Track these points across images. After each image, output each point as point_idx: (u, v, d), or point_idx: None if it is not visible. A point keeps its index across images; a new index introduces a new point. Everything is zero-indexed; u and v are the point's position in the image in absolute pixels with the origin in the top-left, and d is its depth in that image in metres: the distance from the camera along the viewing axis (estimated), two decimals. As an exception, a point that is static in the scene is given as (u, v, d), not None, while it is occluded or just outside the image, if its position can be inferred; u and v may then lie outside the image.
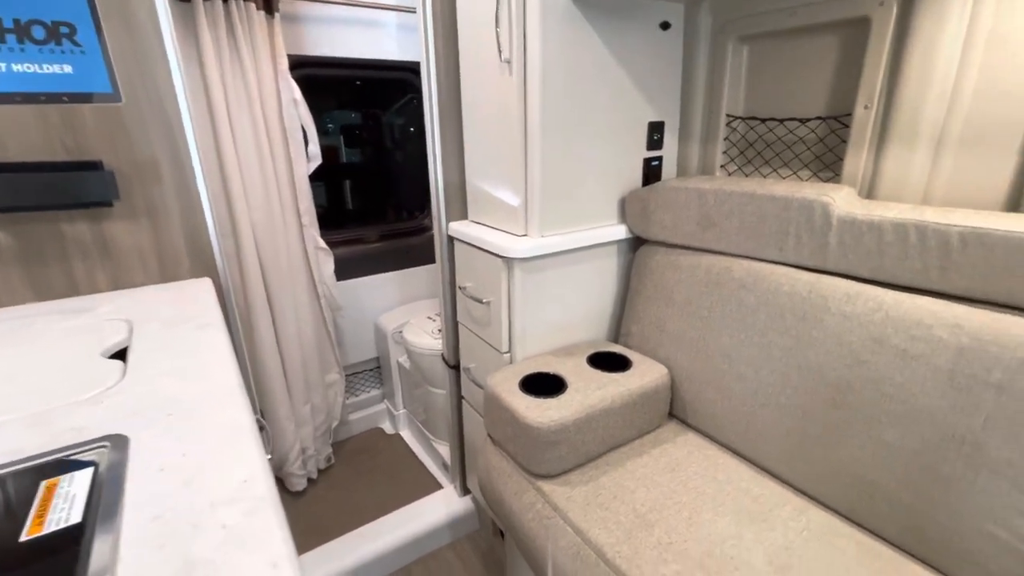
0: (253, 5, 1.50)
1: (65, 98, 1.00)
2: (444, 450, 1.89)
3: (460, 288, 1.45)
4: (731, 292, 1.15)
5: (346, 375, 2.16)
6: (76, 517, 0.48)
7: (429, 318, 2.05)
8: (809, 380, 1.00)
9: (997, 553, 0.77)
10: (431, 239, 1.56)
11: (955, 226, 0.85)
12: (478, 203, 1.42)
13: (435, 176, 1.43)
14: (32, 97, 0.97)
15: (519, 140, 1.19)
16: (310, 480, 1.93)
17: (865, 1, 1.02)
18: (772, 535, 0.91)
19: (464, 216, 1.49)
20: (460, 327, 1.52)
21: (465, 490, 1.75)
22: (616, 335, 1.47)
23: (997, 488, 0.77)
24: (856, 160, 1.09)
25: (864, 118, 1.06)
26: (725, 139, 1.35)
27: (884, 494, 0.89)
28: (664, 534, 0.92)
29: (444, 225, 1.46)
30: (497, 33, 1.15)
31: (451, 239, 1.47)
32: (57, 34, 0.97)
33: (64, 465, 0.55)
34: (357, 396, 2.27)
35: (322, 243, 1.83)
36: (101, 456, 0.56)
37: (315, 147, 1.74)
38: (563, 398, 1.11)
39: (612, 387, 1.15)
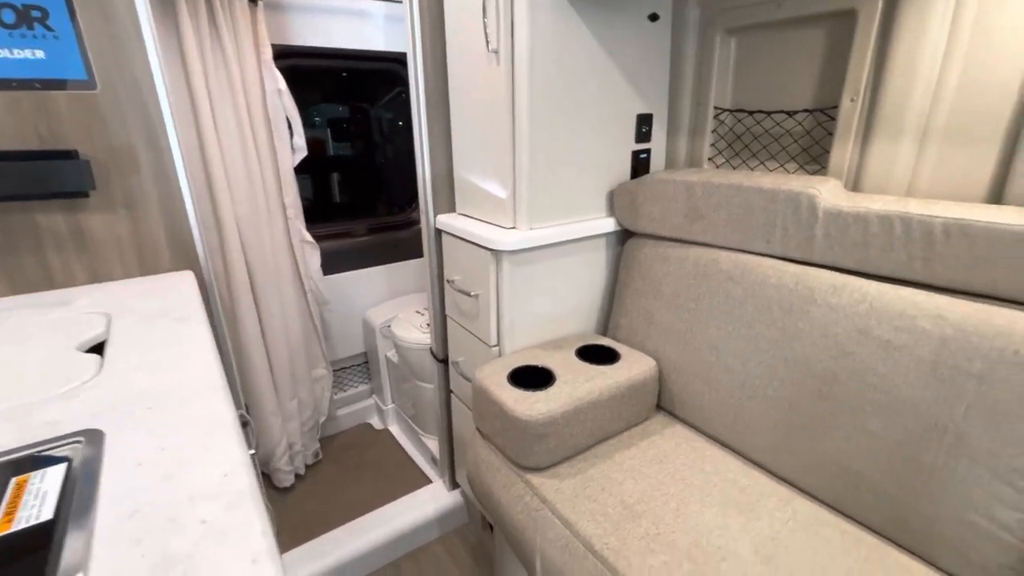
0: (235, -8, 1.47)
1: (38, 84, 0.96)
2: (433, 444, 1.88)
3: (448, 281, 1.44)
4: (719, 284, 1.15)
5: (334, 370, 2.14)
6: (48, 514, 0.46)
7: (417, 312, 2.04)
8: (795, 372, 1.01)
9: (977, 541, 0.78)
10: (419, 233, 1.54)
11: (938, 217, 0.86)
12: (466, 196, 1.41)
13: (422, 168, 1.42)
14: (3, 83, 0.94)
15: (507, 131, 1.18)
16: (297, 476, 1.91)
17: (852, -7, 1.02)
18: (758, 525, 0.92)
19: (452, 209, 1.47)
20: (448, 321, 1.51)
21: (454, 484, 1.74)
22: (605, 328, 1.47)
23: (978, 477, 0.78)
24: (842, 152, 1.09)
25: (850, 111, 1.06)
26: (713, 132, 1.35)
27: (868, 484, 0.90)
28: (652, 525, 0.93)
29: (432, 218, 1.45)
30: (484, 23, 1.14)
31: (439, 232, 1.46)
32: (28, 18, 0.94)
33: (36, 461, 0.53)
34: (345, 391, 2.26)
35: (308, 236, 1.80)
36: (75, 451, 0.55)
37: (300, 139, 1.71)
38: (551, 391, 1.10)
39: (600, 380, 1.15)
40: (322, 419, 2.01)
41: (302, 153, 1.73)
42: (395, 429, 2.20)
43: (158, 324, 0.88)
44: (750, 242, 1.12)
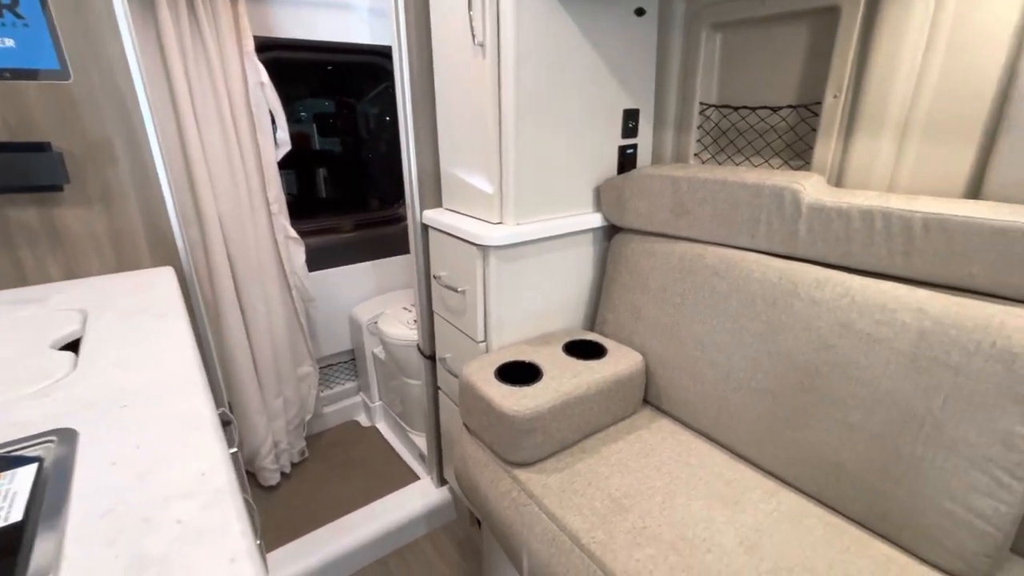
0: (215, -18, 1.44)
1: (7, 74, 0.93)
2: (421, 441, 1.87)
3: (435, 277, 1.43)
4: (704, 279, 1.16)
5: (320, 367, 2.12)
6: (17, 515, 0.45)
7: (404, 308, 2.02)
8: (779, 365, 1.02)
9: (954, 528, 0.80)
10: (406, 228, 1.53)
11: (918, 212, 0.87)
12: (453, 191, 1.40)
13: (408, 163, 1.40)
14: (-29, 73, 0.91)
15: (493, 126, 1.17)
16: (283, 474, 1.89)
17: (835, -10, 1.03)
18: (743, 517, 0.93)
19: (439, 204, 1.46)
20: (435, 317, 1.51)
21: (442, 480, 1.74)
22: (592, 323, 1.47)
23: (954, 466, 0.80)
24: (825, 148, 1.10)
25: (833, 107, 1.07)
26: (699, 127, 1.36)
27: (850, 475, 0.92)
28: (638, 519, 0.93)
29: (418, 213, 1.44)
30: (470, 16, 1.13)
31: (425, 227, 1.44)
32: (-3, 5, 0.91)
33: (5, 462, 0.51)
34: (331, 388, 2.24)
35: (292, 232, 1.78)
36: (47, 451, 0.53)
37: (284, 133, 1.68)
38: (538, 386, 1.10)
39: (587, 375, 1.15)
40: (308, 417, 1.99)
41: (286, 147, 1.70)
42: (382, 426, 2.19)
43: (136, 321, 0.86)
44: (735, 237, 1.13)
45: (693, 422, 1.19)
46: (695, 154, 1.39)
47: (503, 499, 1.07)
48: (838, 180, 1.11)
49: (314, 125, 2.29)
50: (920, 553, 0.84)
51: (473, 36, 1.14)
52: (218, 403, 1.05)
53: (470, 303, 1.29)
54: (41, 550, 0.41)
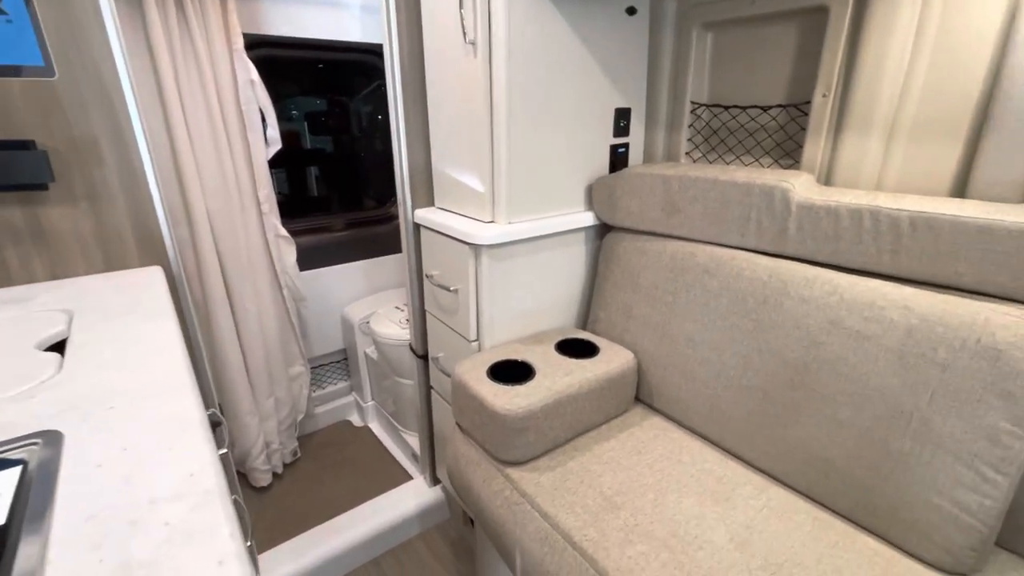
0: (203, -21, 1.42)
1: (-10, 71, 0.92)
2: (413, 441, 1.86)
3: (427, 276, 1.42)
4: (695, 277, 1.16)
5: (312, 367, 2.11)
6: (0, 519, 0.44)
7: (397, 308, 2.02)
8: (769, 362, 1.02)
9: (940, 522, 0.81)
10: (398, 227, 1.52)
11: (905, 211, 0.88)
12: (445, 189, 1.39)
13: (400, 162, 1.40)
14: (-48, 69, 0.89)
15: (485, 124, 1.16)
16: (275, 475, 1.88)
17: (824, -10, 1.04)
18: (734, 514, 0.94)
19: (431, 203, 1.46)
20: (428, 316, 1.50)
21: (435, 480, 1.74)
22: (584, 321, 1.48)
23: (941, 462, 0.81)
24: (815, 147, 1.11)
25: (822, 106, 1.08)
26: (690, 126, 1.36)
27: (838, 471, 0.93)
28: (630, 516, 0.93)
29: (410, 212, 1.43)
30: (461, 15, 1.12)
31: (417, 226, 1.44)
32: (-22, 0, 0.89)
33: (-12, 464, 0.51)
34: (324, 389, 2.22)
35: (283, 231, 1.76)
36: (31, 454, 0.52)
37: (274, 131, 1.67)
38: (531, 385, 1.10)
39: (580, 373, 1.15)
40: (300, 417, 1.98)
41: (276, 146, 1.69)
42: (375, 426, 2.18)
43: (123, 321, 0.85)
44: (725, 235, 1.14)
45: (685, 420, 1.19)
46: (686, 153, 1.39)
47: (496, 498, 1.07)
48: (827, 179, 1.12)
49: (305, 123, 2.27)
50: (907, 547, 0.85)
51: (464, 34, 1.13)
52: (208, 404, 1.04)
53: (462, 302, 1.29)
54: (24, 554, 0.41)
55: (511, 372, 1.15)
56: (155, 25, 1.36)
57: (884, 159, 1.03)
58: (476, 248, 1.20)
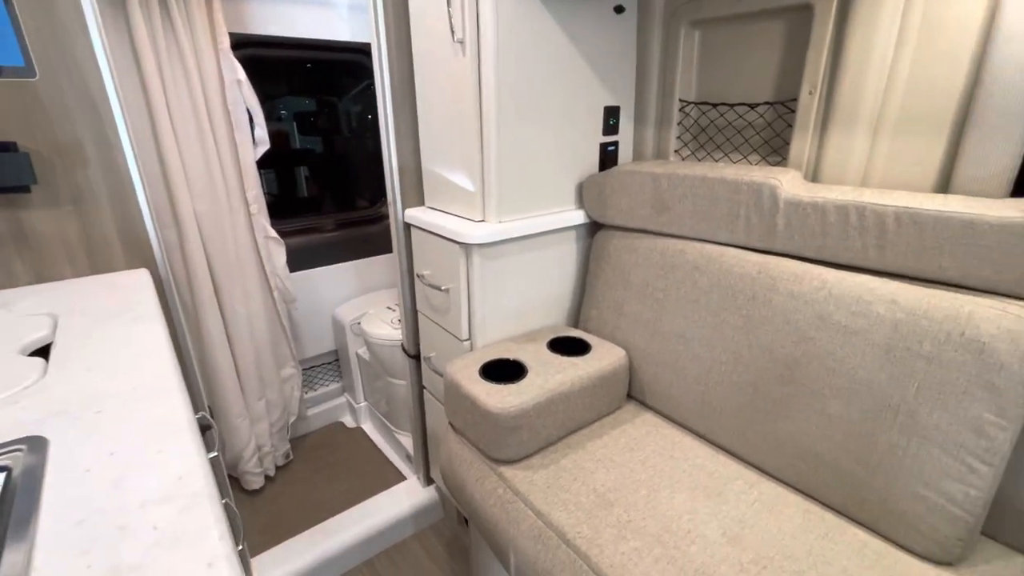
0: (188, -23, 1.41)
1: (-31, 72, 0.90)
2: (407, 441, 1.86)
3: (418, 276, 1.42)
4: (685, 274, 1.17)
5: (303, 369, 2.10)
6: (-16, 527, 0.43)
7: (388, 308, 2.01)
8: (759, 358, 1.03)
9: (927, 513, 0.82)
10: (389, 227, 1.52)
11: (890, 206, 0.89)
12: (435, 189, 1.39)
13: (390, 161, 1.39)
14: (-70, 70, 0.88)
15: (474, 123, 1.16)
16: (267, 478, 1.86)
17: (809, -12, 1.04)
18: (726, 508, 0.94)
19: (421, 202, 1.46)
20: (419, 316, 1.50)
21: (429, 480, 1.73)
22: (576, 320, 1.48)
23: (928, 453, 0.82)
24: (802, 144, 1.12)
25: (808, 103, 1.09)
26: (679, 124, 1.37)
27: (828, 464, 0.94)
28: (623, 512, 0.94)
29: (400, 212, 1.43)
30: (449, 13, 1.12)
31: (408, 226, 1.43)
32: (-44, 0, 0.87)
33: (-29, 472, 0.50)
34: (315, 390, 2.21)
35: (272, 232, 1.75)
36: (15, 460, 0.52)
37: (262, 131, 1.65)
38: (523, 383, 1.10)
39: (572, 371, 1.16)
40: (292, 419, 1.97)
41: (264, 146, 1.67)
42: (368, 427, 2.17)
43: (110, 325, 0.84)
44: (714, 232, 1.15)
45: (676, 416, 1.20)
46: (675, 151, 1.40)
47: (489, 497, 1.07)
48: (814, 175, 1.13)
49: (294, 124, 2.26)
50: (896, 538, 0.87)
51: (452, 33, 1.13)
52: (198, 407, 1.03)
53: (454, 301, 1.28)
54: (9, 562, 0.40)
55: (503, 371, 1.15)
56: (139, 26, 1.34)
57: (870, 155, 1.04)
58: (467, 247, 1.20)
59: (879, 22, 0.97)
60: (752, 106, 1.22)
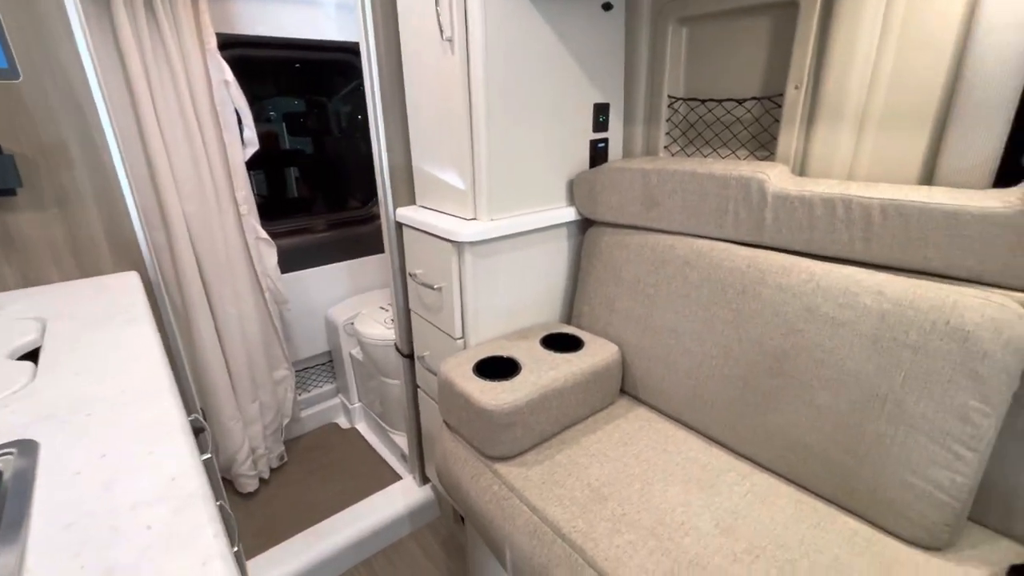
0: (173, -23, 1.40)
1: (-49, 74, 0.89)
2: (402, 441, 1.86)
3: (411, 275, 1.42)
4: (676, 269, 1.18)
5: (297, 370, 2.09)
6: (-26, 531, 0.43)
7: (381, 308, 2.01)
8: (749, 351, 1.04)
9: (915, 500, 0.84)
10: (380, 227, 1.52)
11: (876, 199, 0.90)
12: (426, 188, 1.39)
13: (380, 161, 1.39)
14: (-90, 73, 0.86)
15: (464, 121, 1.16)
16: (262, 480, 1.86)
17: (793, -16, 1.06)
18: (718, 500, 0.95)
19: (412, 201, 1.45)
20: (413, 315, 1.50)
21: (424, 479, 1.73)
22: (569, 316, 1.49)
23: (915, 442, 0.84)
24: (789, 138, 1.13)
25: (795, 98, 1.10)
26: (668, 120, 1.38)
27: (817, 455, 0.95)
28: (618, 506, 0.95)
29: (391, 211, 1.42)
30: (437, 11, 1.12)
31: (399, 225, 1.43)
32: (-63, 1, 0.86)
33: (-39, 476, 0.49)
34: (309, 392, 2.20)
35: (263, 233, 1.74)
36: (6, 464, 0.51)
37: (251, 132, 1.64)
38: (516, 380, 1.11)
39: (565, 367, 1.16)
40: (286, 421, 1.96)
41: (253, 147, 1.66)
42: (362, 427, 2.17)
43: (98, 328, 0.83)
44: (704, 227, 1.16)
45: (669, 410, 1.21)
46: (665, 147, 1.41)
47: (484, 493, 1.07)
48: (801, 169, 1.14)
49: (284, 124, 2.24)
50: (885, 525, 0.88)
51: (441, 31, 1.13)
52: (190, 409, 1.03)
53: (447, 300, 1.28)
54: (1, 563, 0.40)
55: (497, 368, 1.16)
56: (124, 26, 1.33)
57: (855, 148, 1.05)
58: (459, 245, 1.20)
59: (863, 17, 0.98)
60: (740, 102, 1.24)
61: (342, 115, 2.34)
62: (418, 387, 1.57)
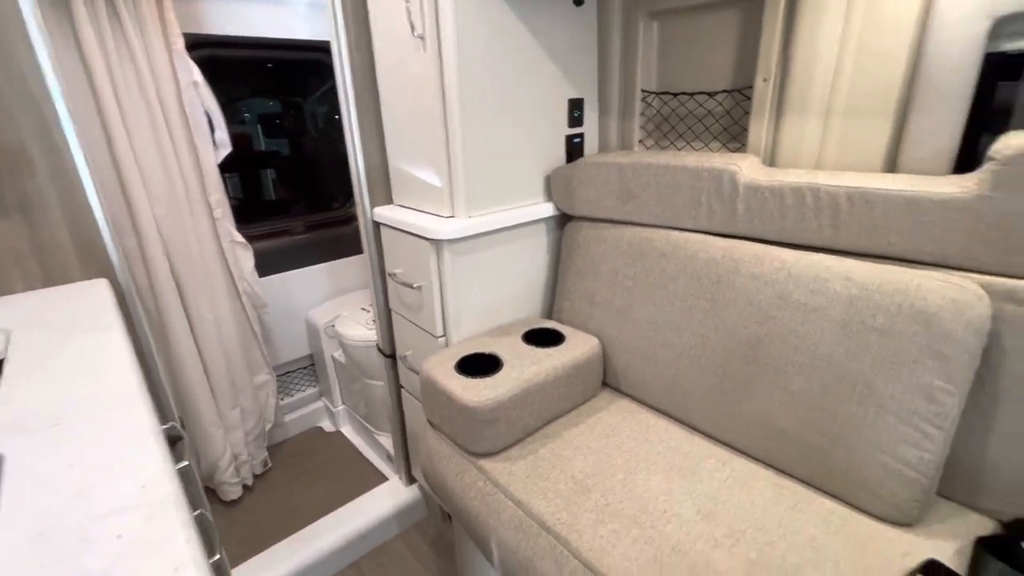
0: (135, -24, 1.36)
1: (-100, 78, 0.86)
2: (387, 442, 1.85)
3: (390, 275, 1.41)
4: (653, 262, 1.19)
5: (278, 375, 2.06)
6: (-65, 547, 0.42)
7: (363, 309, 1.99)
8: (726, 339, 1.06)
9: (886, 478, 0.86)
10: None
11: (842, 187, 0.93)
12: (402, 186, 1.38)
13: (355, 160, 1.38)
14: None
15: (439, 119, 1.16)
16: (245, 487, 1.83)
17: (759, -22, 1.07)
18: (699, 486, 0.97)
19: (389, 200, 1.45)
20: (393, 315, 1.49)
21: (411, 479, 1.73)
22: (550, 311, 1.49)
23: (884, 422, 0.86)
24: (759, 130, 1.15)
25: (763, 90, 1.12)
26: (641, 114, 1.39)
27: (792, 439, 0.97)
28: (601, 497, 0.96)
29: (368, 211, 1.41)
30: (408, 9, 1.11)
31: (377, 225, 1.42)
32: None
33: (-79, 492, 0.48)
34: (292, 396, 2.18)
35: (238, 237, 1.71)
36: (-32, 478, 0.50)
37: (223, 133, 1.61)
38: (498, 376, 1.11)
39: (547, 362, 1.17)
40: (268, 426, 1.93)
41: (226, 149, 1.63)
42: (347, 430, 2.15)
43: (66, 337, 0.81)
44: (679, 219, 1.17)
45: (650, 400, 1.23)
46: (639, 141, 1.42)
47: (469, 490, 1.07)
48: (772, 160, 1.16)
49: (259, 126, 2.21)
50: (859, 504, 0.91)
51: (412, 28, 1.12)
52: (167, 417, 1.01)
53: (427, 299, 1.28)
54: (-36, 580, 0.39)
55: (479, 365, 1.16)
56: (84, 25, 1.29)
57: (822, 139, 1.08)
58: (437, 243, 1.20)
59: (825, 11, 1.00)
60: (711, 95, 1.25)
61: (319, 115, 2.31)
62: (401, 387, 1.57)
